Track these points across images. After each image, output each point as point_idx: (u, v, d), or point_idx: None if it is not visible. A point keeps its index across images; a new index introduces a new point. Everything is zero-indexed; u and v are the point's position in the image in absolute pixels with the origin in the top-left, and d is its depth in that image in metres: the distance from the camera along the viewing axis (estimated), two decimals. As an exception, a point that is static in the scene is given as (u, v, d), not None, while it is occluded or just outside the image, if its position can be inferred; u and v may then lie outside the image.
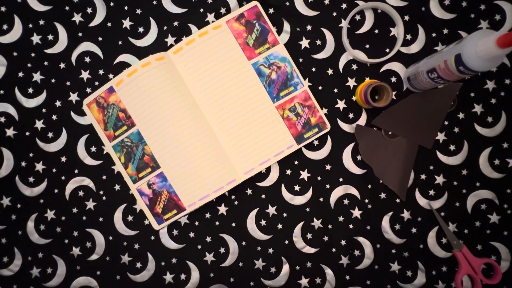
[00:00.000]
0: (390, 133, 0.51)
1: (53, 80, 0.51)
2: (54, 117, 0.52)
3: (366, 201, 0.51)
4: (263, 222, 0.51)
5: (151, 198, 0.50)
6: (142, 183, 0.50)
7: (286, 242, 0.51)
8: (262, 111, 0.50)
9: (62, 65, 0.52)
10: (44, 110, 0.52)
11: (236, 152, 0.50)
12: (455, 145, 0.51)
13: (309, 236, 0.51)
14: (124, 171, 0.50)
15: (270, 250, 0.51)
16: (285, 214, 0.51)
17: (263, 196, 0.51)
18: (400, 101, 0.51)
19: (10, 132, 0.52)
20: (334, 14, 0.52)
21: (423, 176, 0.51)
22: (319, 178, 0.51)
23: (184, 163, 0.48)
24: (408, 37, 0.52)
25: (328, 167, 0.51)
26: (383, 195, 0.51)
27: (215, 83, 0.50)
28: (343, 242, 0.51)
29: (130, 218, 0.51)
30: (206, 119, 0.50)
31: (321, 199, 0.51)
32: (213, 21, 0.52)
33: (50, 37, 0.52)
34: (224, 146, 0.50)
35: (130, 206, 0.51)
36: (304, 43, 0.52)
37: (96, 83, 0.52)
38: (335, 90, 0.52)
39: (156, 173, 0.49)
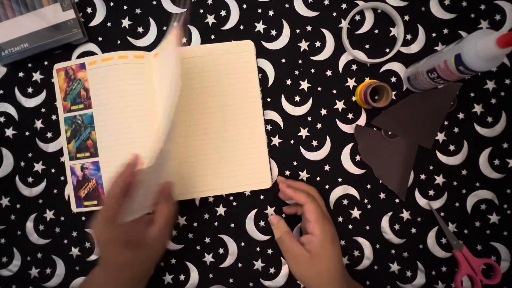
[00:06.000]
0: (390, 133, 0.51)
1: (52, 80, 0.51)
2: (53, 117, 0.51)
3: (366, 201, 0.51)
4: (262, 223, 0.51)
5: (80, 180, 0.49)
6: (77, 163, 0.50)
7: (286, 242, 0.51)
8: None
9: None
10: (43, 110, 0.52)
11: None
12: (455, 145, 0.51)
13: (308, 236, 0.51)
14: (66, 146, 0.50)
15: (269, 251, 0.51)
16: (283, 215, 0.51)
17: (261, 197, 0.51)
18: (400, 101, 0.50)
19: (9, 132, 0.52)
20: (334, 14, 0.52)
21: (422, 176, 0.51)
22: (318, 178, 0.51)
23: (122, 162, 0.47)
24: (408, 37, 0.51)
25: (327, 167, 0.51)
26: (382, 195, 0.51)
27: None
28: (342, 243, 0.51)
29: (129, 218, 0.51)
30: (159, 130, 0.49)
31: (320, 200, 0.51)
32: (213, 23, 0.52)
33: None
34: None
35: (129, 206, 0.51)
36: (304, 45, 0.52)
37: (96, 83, 0.52)
38: (334, 91, 0.52)
39: (92, 160, 0.49)
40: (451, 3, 0.52)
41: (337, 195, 0.51)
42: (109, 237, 0.38)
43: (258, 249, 0.51)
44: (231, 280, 0.50)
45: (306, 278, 0.42)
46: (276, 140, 0.51)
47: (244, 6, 0.52)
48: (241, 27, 0.52)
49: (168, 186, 0.44)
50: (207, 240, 0.51)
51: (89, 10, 0.52)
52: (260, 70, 0.52)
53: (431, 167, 0.51)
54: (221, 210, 0.51)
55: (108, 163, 0.49)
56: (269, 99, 0.52)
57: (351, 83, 0.52)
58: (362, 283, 0.48)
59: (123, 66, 0.48)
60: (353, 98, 0.51)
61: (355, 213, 0.51)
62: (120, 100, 0.48)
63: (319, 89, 0.52)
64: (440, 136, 0.51)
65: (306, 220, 0.43)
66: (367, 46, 0.52)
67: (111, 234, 0.38)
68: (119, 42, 0.52)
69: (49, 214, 0.51)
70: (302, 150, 0.51)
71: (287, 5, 0.52)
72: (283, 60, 0.52)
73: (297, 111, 0.52)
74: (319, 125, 0.51)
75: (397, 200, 0.51)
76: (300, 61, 0.52)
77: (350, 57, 0.52)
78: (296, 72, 0.52)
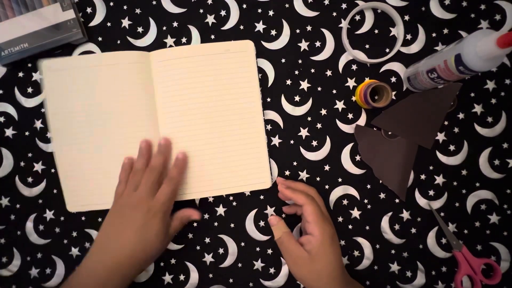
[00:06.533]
0: (390, 133, 0.51)
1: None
2: (53, 117, 0.51)
3: (366, 201, 0.51)
4: (261, 223, 0.51)
5: None
6: None
7: (286, 242, 0.51)
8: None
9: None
10: (43, 110, 0.52)
11: None
12: (455, 145, 0.51)
13: (308, 236, 0.51)
14: None
15: (269, 251, 0.51)
16: (283, 215, 0.51)
17: (261, 197, 0.51)
18: (400, 101, 0.50)
19: (9, 132, 0.52)
20: (334, 14, 0.52)
21: (422, 176, 0.51)
22: (318, 178, 0.51)
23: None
24: (408, 37, 0.51)
25: (327, 167, 0.51)
26: (382, 195, 0.51)
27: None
28: (342, 243, 0.51)
29: (129, 218, 0.51)
30: (159, 129, 0.50)
31: (320, 200, 0.51)
32: (213, 23, 0.52)
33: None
34: None
35: (129, 206, 0.51)
36: (304, 45, 0.52)
37: (95, 83, 0.52)
38: (334, 91, 0.52)
39: None
40: (451, 3, 0.52)
41: (337, 195, 0.51)
42: (166, 209, 0.44)
43: (258, 249, 0.51)
44: (231, 280, 0.50)
45: (305, 278, 0.42)
46: (276, 140, 0.51)
47: (244, 6, 0.52)
48: (241, 27, 0.52)
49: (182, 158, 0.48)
50: (207, 240, 0.51)
51: (89, 10, 0.52)
52: (260, 70, 0.52)
53: (431, 167, 0.51)
54: (221, 210, 0.51)
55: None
56: (269, 99, 0.52)
57: (351, 83, 0.52)
58: (362, 283, 0.48)
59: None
60: (353, 98, 0.51)
61: (355, 213, 0.51)
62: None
63: (319, 89, 0.52)
64: (440, 136, 0.51)
65: (305, 221, 0.43)
66: (367, 46, 0.52)
67: (168, 207, 0.45)
68: (119, 42, 0.52)
69: (49, 214, 0.51)
70: (302, 150, 0.51)
71: (287, 5, 0.52)
72: (283, 60, 0.52)
73: (297, 111, 0.52)
74: (319, 125, 0.51)
75: (397, 200, 0.51)
76: (300, 61, 0.52)
77: (350, 57, 0.52)
78: (296, 72, 0.52)
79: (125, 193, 0.45)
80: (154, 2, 0.52)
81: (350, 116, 0.51)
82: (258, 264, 0.51)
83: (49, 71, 0.49)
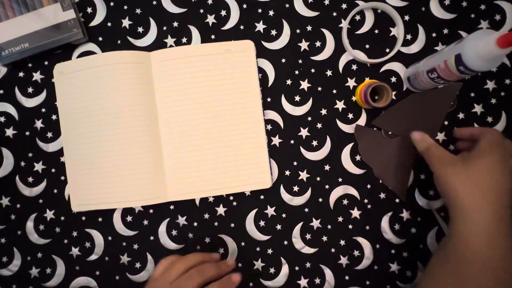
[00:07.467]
0: (390, 133, 0.51)
1: (53, 80, 0.51)
2: (53, 117, 0.51)
3: (366, 201, 0.51)
4: (262, 223, 0.51)
5: None
6: None
7: (285, 242, 0.51)
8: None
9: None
10: (43, 110, 0.52)
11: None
12: (454, 145, 0.51)
13: (308, 236, 0.51)
14: None
15: (269, 251, 0.51)
16: (284, 215, 0.51)
17: (261, 197, 0.51)
18: (400, 101, 0.50)
19: (9, 132, 0.52)
20: (334, 14, 0.52)
21: (423, 176, 0.51)
22: (318, 178, 0.51)
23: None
24: (408, 37, 0.51)
25: (327, 167, 0.51)
26: (382, 195, 0.51)
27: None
28: (342, 243, 0.51)
29: (129, 218, 0.51)
30: (159, 131, 0.50)
31: (320, 200, 0.51)
32: (213, 23, 0.52)
33: (50, 37, 0.52)
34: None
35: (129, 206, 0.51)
36: (304, 45, 0.52)
37: (96, 83, 0.52)
38: (334, 91, 0.52)
39: None
40: (451, 3, 0.52)
41: (337, 195, 0.51)
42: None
43: (258, 249, 0.51)
44: (231, 280, 0.50)
45: (451, 181, 0.39)
46: (276, 140, 0.51)
47: (244, 6, 0.52)
48: (241, 27, 0.52)
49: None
50: (207, 240, 0.51)
51: (89, 10, 0.52)
52: (260, 70, 0.52)
53: (431, 167, 0.51)
54: (221, 210, 0.51)
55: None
56: (269, 99, 0.52)
57: (351, 83, 0.52)
58: (362, 283, 0.49)
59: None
60: (353, 98, 0.51)
61: (355, 213, 0.51)
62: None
63: (319, 89, 0.52)
64: (440, 136, 0.51)
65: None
66: (367, 46, 0.52)
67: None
68: (119, 42, 0.52)
69: (49, 214, 0.51)
70: (302, 150, 0.51)
71: (287, 5, 0.52)
72: (283, 60, 0.52)
73: (297, 111, 0.52)
74: (319, 125, 0.51)
75: (397, 200, 0.51)
76: (300, 61, 0.52)
77: (350, 57, 0.52)
78: (296, 72, 0.52)
79: (160, 282, 0.41)
80: (154, 2, 0.52)
81: (350, 116, 0.51)
82: (258, 264, 0.51)
83: (60, 75, 0.50)
